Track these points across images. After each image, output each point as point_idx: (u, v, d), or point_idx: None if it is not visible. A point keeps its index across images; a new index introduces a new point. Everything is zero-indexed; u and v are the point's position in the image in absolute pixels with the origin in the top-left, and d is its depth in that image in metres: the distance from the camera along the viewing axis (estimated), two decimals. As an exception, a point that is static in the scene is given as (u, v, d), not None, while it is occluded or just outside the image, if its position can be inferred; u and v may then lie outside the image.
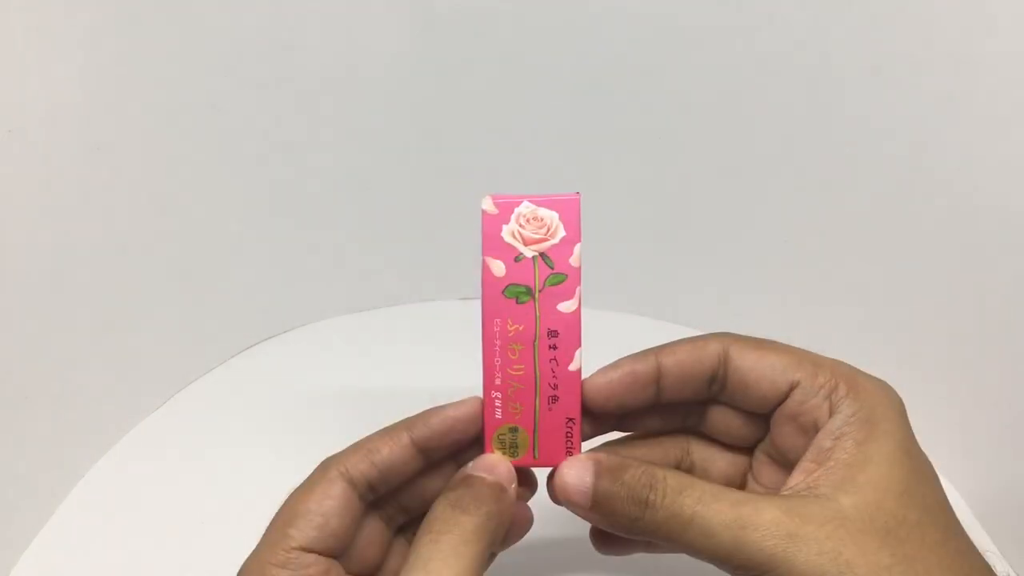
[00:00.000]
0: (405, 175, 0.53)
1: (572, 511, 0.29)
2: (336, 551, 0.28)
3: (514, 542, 0.31)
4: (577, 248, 0.29)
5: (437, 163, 0.52)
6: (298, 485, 0.28)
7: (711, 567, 0.26)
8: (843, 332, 0.49)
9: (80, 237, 0.43)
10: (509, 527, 0.29)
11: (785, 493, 0.26)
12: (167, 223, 0.47)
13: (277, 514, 0.28)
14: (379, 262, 0.56)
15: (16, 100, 0.38)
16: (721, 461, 0.32)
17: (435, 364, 0.52)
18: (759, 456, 0.31)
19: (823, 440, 0.27)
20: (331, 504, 0.27)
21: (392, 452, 0.29)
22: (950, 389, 0.44)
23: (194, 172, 0.47)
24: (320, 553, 0.27)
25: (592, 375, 0.30)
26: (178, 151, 0.46)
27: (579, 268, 0.29)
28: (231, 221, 0.50)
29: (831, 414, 0.27)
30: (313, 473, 0.29)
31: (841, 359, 0.29)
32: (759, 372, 0.28)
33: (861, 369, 0.29)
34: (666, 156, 0.50)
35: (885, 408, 0.27)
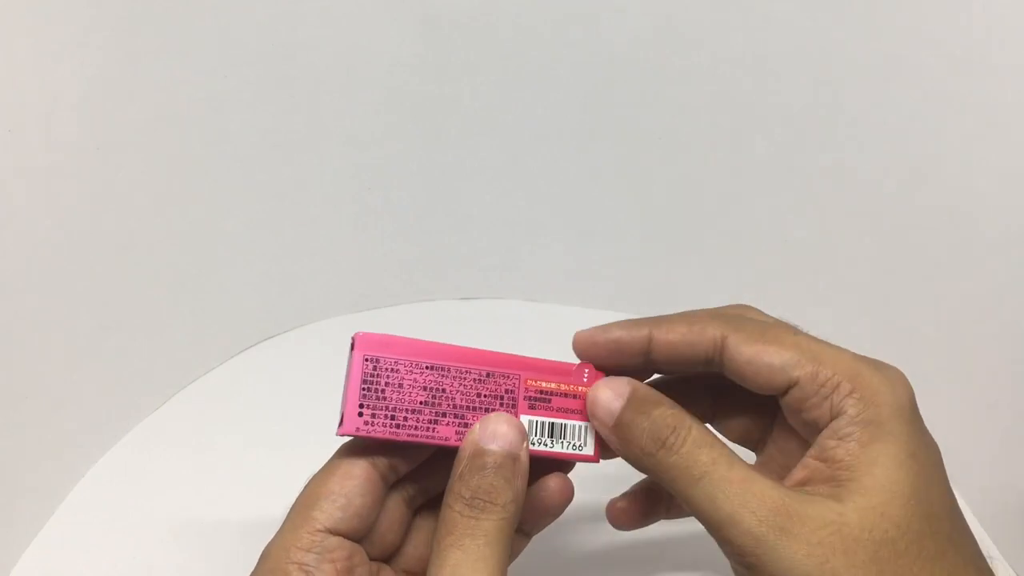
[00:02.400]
0: (405, 175, 0.53)
1: (594, 426, 0.29)
2: (360, 533, 0.28)
3: (554, 518, 0.30)
4: None
5: (437, 163, 0.52)
6: (319, 469, 0.28)
7: None
8: (843, 332, 0.49)
9: (80, 237, 0.43)
10: (546, 506, 0.29)
11: (790, 486, 0.26)
12: (167, 223, 0.47)
13: (299, 498, 0.28)
14: (379, 262, 0.56)
15: (16, 100, 0.38)
16: (744, 415, 0.31)
17: (435, 364, 0.52)
18: (779, 420, 0.30)
19: (827, 440, 0.26)
20: (353, 484, 0.27)
21: None
22: (950, 389, 0.44)
23: (194, 172, 0.47)
24: (344, 535, 0.27)
25: (581, 331, 0.30)
26: (178, 151, 0.46)
27: None
28: (231, 221, 0.50)
29: (833, 415, 0.26)
30: (334, 456, 0.29)
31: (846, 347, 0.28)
32: (755, 368, 0.27)
33: (869, 358, 0.28)
34: (666, 156, 0.50)
35: (891, 408, 0.26)
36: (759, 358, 0.27)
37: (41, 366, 0.42)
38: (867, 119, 0.44)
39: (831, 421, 0.26)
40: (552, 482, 0.30)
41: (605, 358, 0.29)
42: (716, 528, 0.25)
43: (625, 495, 0.33)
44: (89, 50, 0.41)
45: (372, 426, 0.27)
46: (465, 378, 0.28)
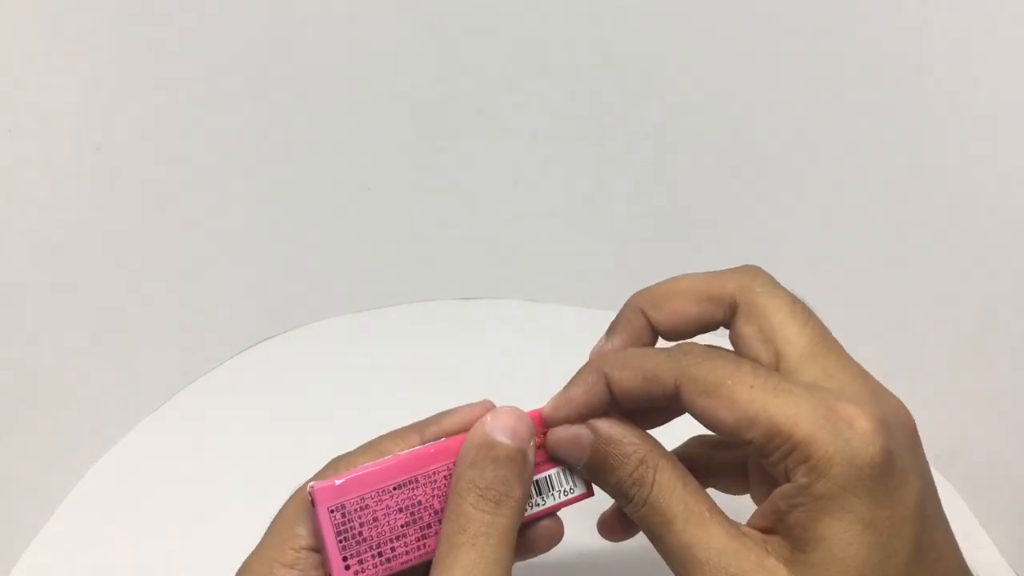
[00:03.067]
0: (405, 175, 0.53)
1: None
2: None
3: (535, 555, 0.30)
4: None
5: (437, 163, 0.52)
6: (307, 482, 0.28)
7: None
8: (843, 332, 0.49)
9: (80, 237, 0.43)
10: (533, 544, 0.29)
11: (746, 532, 0.25)
12: (167, 223, 0.47)
13: (283, 511, 0.27)
14: (379, 262, 0.56)
15: (16, 100, 0.38)
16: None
17: (435, 364, 0.52)
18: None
19: (778, 501, 0.24)
20: None
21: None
22: (950, 389, 0.44)
23: (194, 172, 0.47)
24: None
25: (547, 408, 0.28)
26: (178, 151, 0.46)
27: None
28: (231, 221, 0.50)
29: (786, 478, 0.24)
30: (321, 472, 0.28)
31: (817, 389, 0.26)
32: (708, 423, 0.26)
33: (839, 400, 0.25)
34: (667, 156, 0.50)
35: (845, 478, 0.23)
36: (712, 415, 0.25)
37: (41, 366, 0.42)
38: (867, 119, 0.44)
39: (785, 483, 0.25)
40: (544, 521, 0.29)
41: (578, 419, 0.28)
42: (677, 568, 0.25)
43: (612, 507, 0.32)
44: (89, 50, 0.41)
45: (363, 573, 0.26)
46: (435, 480, 0.27)
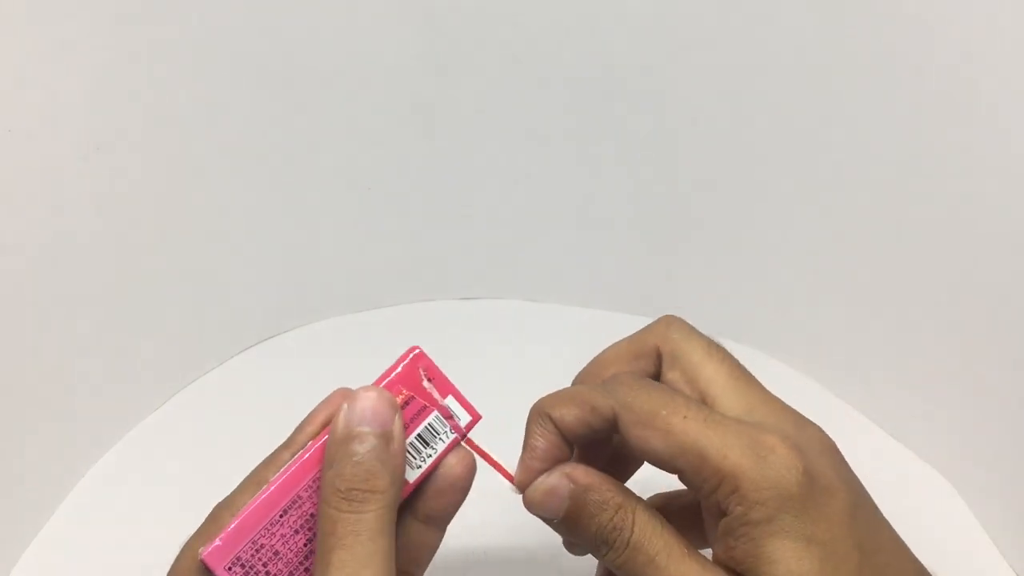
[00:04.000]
0: (405, 175, 0.53)
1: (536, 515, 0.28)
2: None
3: (461, 496, 0.29)
4: None
5: (437, 162, 0.52)
6: (192, 536, 0.28)
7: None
8: (843, 332, 0.49)
9: (80, 237, 0.43)
10: (449, 483, 0.28)
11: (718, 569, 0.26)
12: (167, 223, 0.47)
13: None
14: (379, 262, 0.56)
15: (16, 100, 0.38)
16: None
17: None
18: None
19: (724, 539, 0.25)
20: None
21: None
22: (951, 390, 0.44)
23: (194, 172, 0.47)
24: None
25: (518, 475, 0.28)
26: (178, 151, 0.46)
27: None
28: (231, 221, 0.50)
29: (722, 512, 0.25)
30: (209, 520, 0.28)
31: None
32: (642, 454, 0.26)
33: (767, 425, 0.26)
34: (667, 156, 0.50)
35: (776, 501, 0.24)
36: (645, 445, 0.26)
37: (41, 366, 0.42)
38: (867, 119, 0.44)
39: (722, 518, 0.25)
40: (450, 458, 0.28)
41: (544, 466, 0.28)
42: None
43: None
44: (89, 50, 0.41)
45: None
46: (315, 487, 0.26)
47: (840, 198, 0.47)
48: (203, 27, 0.44)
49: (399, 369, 0.29)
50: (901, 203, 0.44)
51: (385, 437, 0.26)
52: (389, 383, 0.29)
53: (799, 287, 0.50)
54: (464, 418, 0.29)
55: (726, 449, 0.25)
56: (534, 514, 0.28)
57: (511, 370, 0.51)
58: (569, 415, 0.27)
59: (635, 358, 0.30)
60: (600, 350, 0.31)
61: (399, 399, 0.28)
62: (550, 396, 0.28)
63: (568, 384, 0.31)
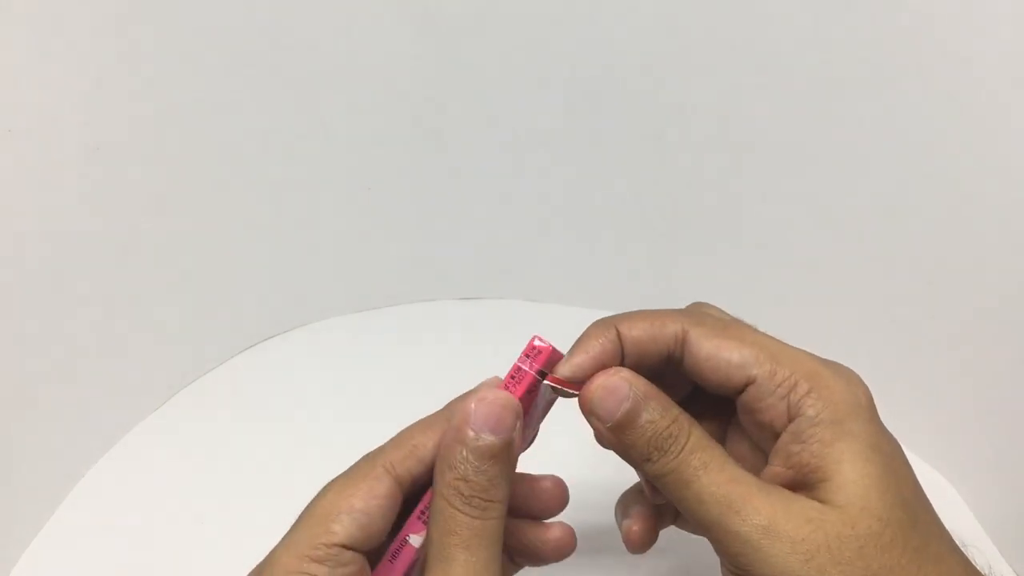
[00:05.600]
0: (405, 175, 0.53)
1: (590, 423, 0.28)
2: (373, 549, 0.27)
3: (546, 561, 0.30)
4: None
5: (437, 163, 0.52)
6: (339, 477, 0.28)
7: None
8: (842, 332, 0.49)
9: (80, 237, 0.43)
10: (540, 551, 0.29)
11: (772, 484, 0.26)
12: (167, 223, 0.47)
13: (315, 505, 0.27)
14: (379, 262, 0.56)
15: (16, 100, 0.38)
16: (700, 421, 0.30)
17: (435, 364, 0.52)
18: (732, 426, 0.30)
19: (789, 446, 0.26)
20: (377, 504, 0.26)
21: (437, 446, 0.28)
22: (952, 391, 0.44)
23: (194, 172, 0.47)
24: (358, 551, 0.26)
25: (563, 365, 0.28)
26: (178, 151, 0.46)
27: None
28: (231, 221, 0.50)
29: (791, 416, 0.26)
30: (357, 467, 0.28)
31: (810, 349, 0.28)
32: (714, 364, 0.27)
33: (826, 359, 0.28)
34: (666, 156, 0.50)
35: (849, 406, 0.26)
36: (719, 353, 0.27)
37: (41, 366, 0.42)
38: (867, 118, 0.44)
39: (788, 423, 0.26)
40: (556, 530, 0.30)
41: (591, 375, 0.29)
42: (706, 530, 0.26)
43: (637, 517, 0.32)
44: (89, 50, 0.41)
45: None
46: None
47: (840, 198, 0.47)
48: (203, 27, 0.44)
49: (525, 367, 0.29)
50: (901, 203, 0.44)
51: (507, 446, 0.26)
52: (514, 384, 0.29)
53: (799, 287, 0.50)
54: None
55: (801, 357, 0.27)
56: (588, 413, 0.28)
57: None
58: (637, 328, 0.28)
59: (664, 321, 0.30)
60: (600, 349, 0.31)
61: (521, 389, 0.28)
62: (622, 315, 0.29)
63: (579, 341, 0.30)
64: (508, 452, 0.26)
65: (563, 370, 0.28)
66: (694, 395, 0.30)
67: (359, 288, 0.56)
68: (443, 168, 0.52)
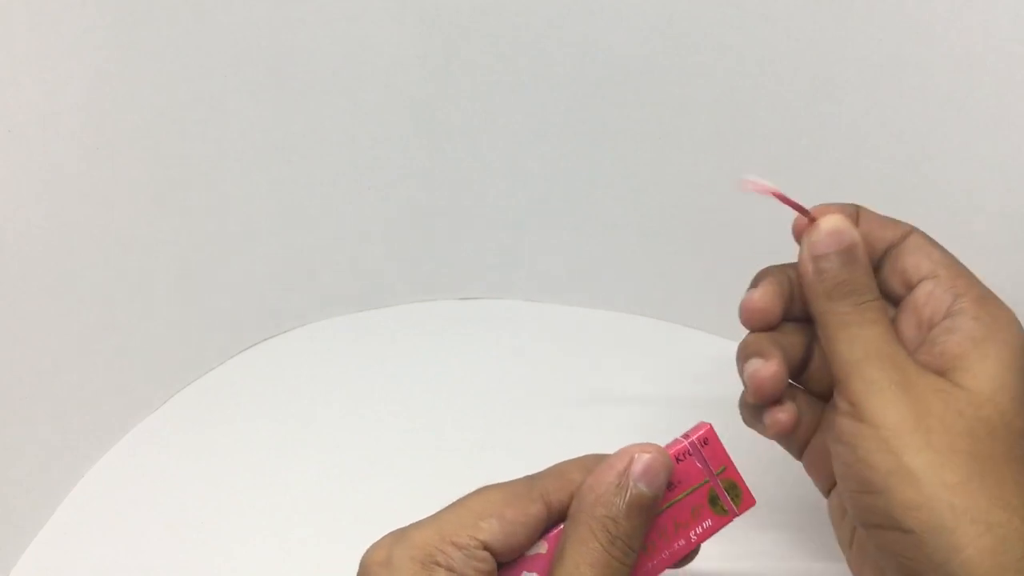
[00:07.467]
0: (405, 175, 0.53)
1: (802, 246, 0.32)
2: (507, 559, 0.28)
3: None
4: None
5: (437, 163, 0.52)
6: (497, 485, 0.29)
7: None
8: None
9: (80, 237, 0.43)
10: None
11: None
12: (167, 223, 0.47)
13: (470, 500, 0.28)
14: (379, 262, 0.56)
15: (16, 100, 0.38)
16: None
17: (435, 364, 0.52)
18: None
19: (939, 336, 0.28)
20: (525, 522, 0.28)
21: None
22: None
23: (194, 172, 0.47)
24: (493, 554, 0.27)
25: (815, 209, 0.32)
26: (178, 151, 0.46)
27: None
28: (231, 221, 0.50)
29: (949, 313, 0.28)
30: (516, 483, 0.29)
31: None
32: (916, 260, 0.31)
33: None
34: (666, 156, 0.50)
35: (1008, 324, 0.28)
36: (920, 249, 0.31)
37: (41, 366, 0.42)
38: (867, 118, 0.44)
39: (944, 319, 0.28)
40: None
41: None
42: (843, 369, 0.28)
43: (783, 408, 0.32)
44: (89, 50, 0.41)
45: None
46: None
47: (841, 198, 0.46)
48: (203, 27, 0.44)
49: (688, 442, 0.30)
50: (901, 203, 0.44)
51: (655, 502, 0.28)
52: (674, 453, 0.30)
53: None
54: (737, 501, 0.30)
55: (972, 279, 0.30)
56: (816, 252, 0.31)
57: (511, 370, 0.51)
58: (872, 224, 0.32)
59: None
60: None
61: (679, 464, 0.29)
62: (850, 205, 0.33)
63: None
64: (652, 508, 0.28)
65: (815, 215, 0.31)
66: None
67: (359, 288, 0.56)
68: (443, 168, 0.52)
